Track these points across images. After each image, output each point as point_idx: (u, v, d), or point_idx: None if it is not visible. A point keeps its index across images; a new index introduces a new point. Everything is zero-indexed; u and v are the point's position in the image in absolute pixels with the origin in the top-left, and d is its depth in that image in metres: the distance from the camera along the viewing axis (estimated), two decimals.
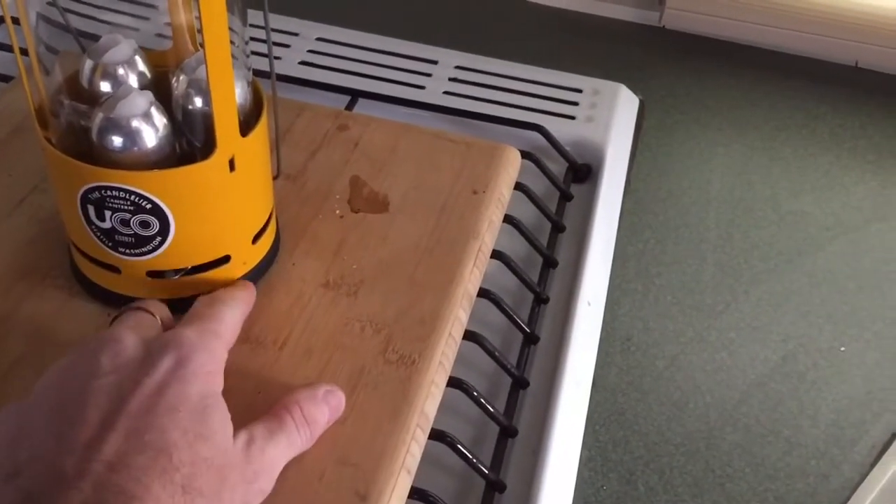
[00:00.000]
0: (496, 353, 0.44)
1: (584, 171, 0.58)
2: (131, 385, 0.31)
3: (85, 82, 0.38)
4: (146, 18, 0.58)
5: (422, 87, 0.63)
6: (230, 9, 0.34)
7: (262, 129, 0.39)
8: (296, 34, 0.67)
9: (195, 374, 0.32)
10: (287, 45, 0.66)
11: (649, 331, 0.50)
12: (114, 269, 0.39)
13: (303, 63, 0.64)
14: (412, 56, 0.66)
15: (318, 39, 0.67)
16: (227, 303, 0.37)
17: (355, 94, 0.60)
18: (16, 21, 0.35)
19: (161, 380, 0.32)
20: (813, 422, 0.46)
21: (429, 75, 0.64)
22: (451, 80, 0.64)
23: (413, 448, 0.37)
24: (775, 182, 0.60)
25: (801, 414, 0.46)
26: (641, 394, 0.46)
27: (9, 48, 0.61)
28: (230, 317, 0.37)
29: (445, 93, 0.63)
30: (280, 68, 0.62)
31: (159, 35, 0.55)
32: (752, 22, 0.73)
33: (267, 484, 0.33)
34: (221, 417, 0.32)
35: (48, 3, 0.37)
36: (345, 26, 0.67)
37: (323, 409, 0.36)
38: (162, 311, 0.37)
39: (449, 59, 0.66)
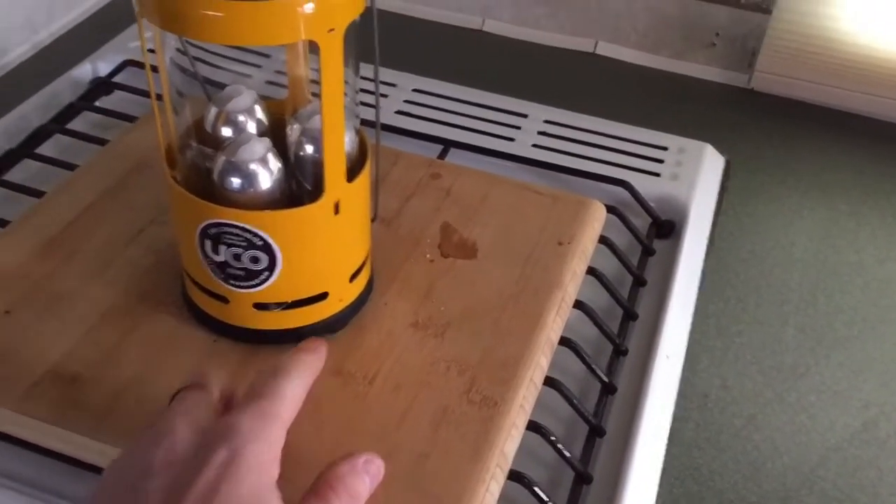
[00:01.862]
0: (574, 401, 0.46)
1: (667, 227, 0.59)
2: (182, 487, 0.31)
3: (209, 127, 0.41)
4: (259, 67, 0.62)
5: (511, 140, 0.65)
6: (345, 62, 0.36)
7: (365, 176, 0.42)
8: (393, 85, 0.70)
9: (248, 468, 0.31)
10: (385, 95, 0.69)
11: (728, 389, 0.50)
12: (223, 300, 0.42)
13: (399, 112, 0.67)
14: (503, 109, 0.68)
15: (414, 90, 0.70)
16: (289, 376, 0.36)
17: (447, 144, 0.63)
18: (154, 69, 0.39)
19: (213, 478, 0.31)
20: (892, 490, 0.45)
21: (518, 128, 0.66)
22: (539, 133, 0.66)
23: (492, 487, 0.39)
24: (861, 248, 0.60)
25: (881, 482, 0.46)
26: (718, 451, 0.47)
27: (135, 90, 0.66)
28: (291, 392, 0.35)
29: (534, 146, 0.65)
30: (373, 116, 0.65)
31: (271, 83, 0.59)
32: (841, 87, 0.73)
33: None
34: None
35: (178, 51, 0.41)
36: (439, 78, 0.71)
37: (364, 479, 0.35)
38: (221, 384, 0.37)
39: (538, 113, 0.68)
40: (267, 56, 0.63)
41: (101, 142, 0.59)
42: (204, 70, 0.43)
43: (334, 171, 0.39)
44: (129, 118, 0.62)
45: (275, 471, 0.33)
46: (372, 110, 0.44)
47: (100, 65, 0.69)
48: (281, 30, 0.34)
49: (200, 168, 0.40)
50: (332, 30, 0.34)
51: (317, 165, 0.40)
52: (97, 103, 0.65)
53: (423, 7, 0.83)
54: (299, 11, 0.33)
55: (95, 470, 0.40)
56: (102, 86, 0.67)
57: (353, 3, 0.35)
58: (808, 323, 0.54)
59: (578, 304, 0.50)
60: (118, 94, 0.67)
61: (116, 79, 0.68)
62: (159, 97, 0.39)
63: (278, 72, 0.66)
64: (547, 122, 0.67)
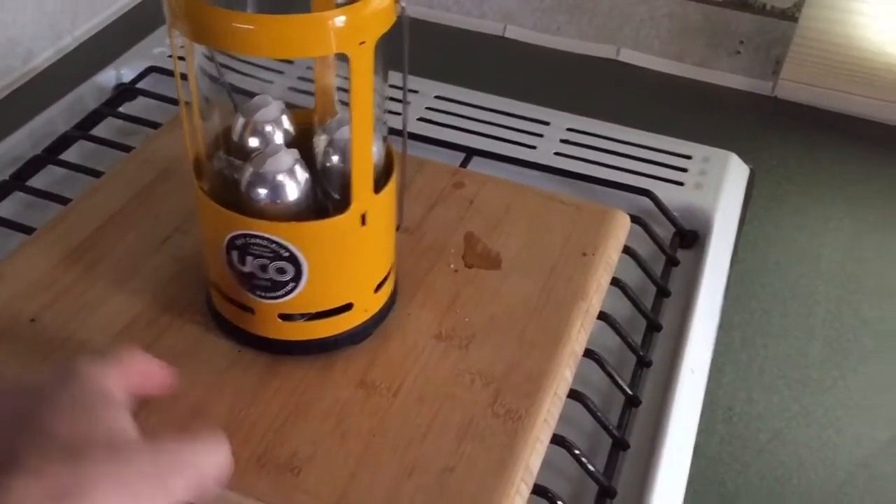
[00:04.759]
0: (598, 414, 0.45)
1: (690, 237, 0.59)
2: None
3: (236, 137, 0.41)
4: (282, 73, 0.62)
5: (533, 148, 0.65)
6: (375, 70, 0.36)
7: (391, 187, 0.42)
8: (415, 91, 0.70)
9: (81, 374, 0.32)
10: (407, 102, 0.69)
11: (753, 402, 0.50)
12: (249, 310, 0.42)
13: (421, 119, 0.67)
14: (525, 116, 0.68)
15: (437, 97, 0.70)
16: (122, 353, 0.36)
17: (470, 152, 0.63)
18: (183, 77, 0.39)
19: (46, 380, 0.31)
20: None
21: (540, 136, 0.66)
22: (562, 141, 0.66)
23: (517, 502, 0.38)
24: (888, 259, 0.60)
25: None
26: (743, 466, 0.46)
27: (159, 97, 0.66)
28: (126, 356, 0.36)
29: (556, 154, 0.65)
30: (398, 123, 0.65)
31: (294, 90, 0.59)
32: (868, 96, 0.72)
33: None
34: (116, 409, 0.32)
35: (206, 57, 0.41)
36: (460, 85, 0.70)
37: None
38: None
39: (561, 120, 0.68)
40: (290, 62, 0.63)
41: (125, 148, 0.60)
42: (230, 77, 0.43)
43: (362, 182, 0.39)
44: (153, 124, 0.62)
45: (113, 387, 0.33)
46: (395, 118, 0.44)
47: (123, 71, 0.69)
48: (312, 43, 0.34)
49: (228, 178, 0.40)
50: (363, 43, 0.34)
51: (344, 176, 0.40)
52: (121, 109, 0.66)
53: (443, 13, 0.83)
54: (331, 25, 0.33)
55: None
56: (126, 92, 0.67)
57: (384, 16, 0.35)
58: (834, 336, 0.54)
59: (602, 315, 0.50)
60: (141, 101, 0.67)
61: (140, 85, 0.68)
62: (187, 104, 0.39)
63: (301, 78, 0.66)
64: (569, 129, 0.67)
